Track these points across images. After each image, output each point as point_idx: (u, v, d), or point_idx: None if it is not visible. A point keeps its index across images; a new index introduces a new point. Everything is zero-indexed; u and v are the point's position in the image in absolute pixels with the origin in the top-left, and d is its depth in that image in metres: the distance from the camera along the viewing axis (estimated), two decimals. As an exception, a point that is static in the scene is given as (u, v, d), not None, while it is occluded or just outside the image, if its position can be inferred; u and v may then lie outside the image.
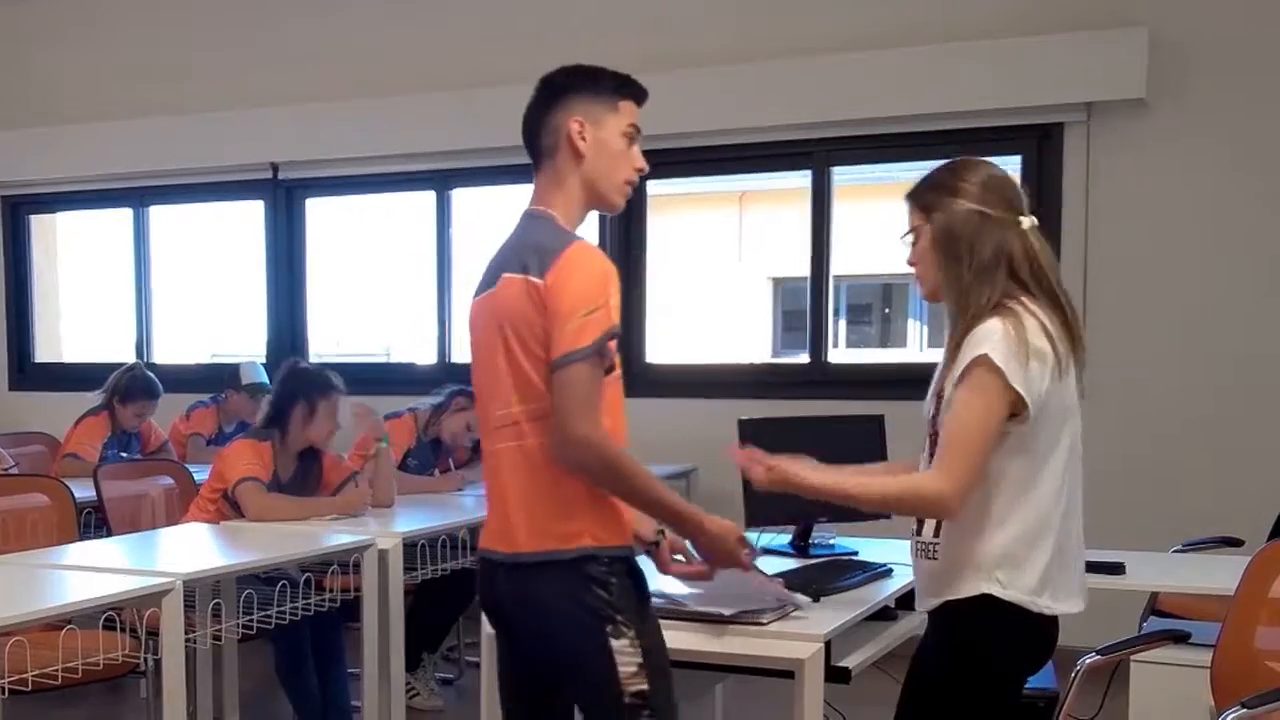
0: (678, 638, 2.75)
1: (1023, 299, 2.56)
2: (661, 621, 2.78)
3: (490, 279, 2.61)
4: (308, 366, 4.84)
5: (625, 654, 2.48)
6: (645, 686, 2.48)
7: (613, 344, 2.47)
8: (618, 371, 2.55)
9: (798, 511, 3.67)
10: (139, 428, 6.22)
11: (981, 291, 2.56)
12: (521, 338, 2.49)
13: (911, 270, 2.74)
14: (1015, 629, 2.59)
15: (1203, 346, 5.65)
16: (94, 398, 6.17)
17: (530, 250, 2.52)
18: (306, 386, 4.61)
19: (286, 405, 4.60)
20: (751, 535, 3.00)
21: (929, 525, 2.67)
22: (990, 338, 2.50)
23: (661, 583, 3.03)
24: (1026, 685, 3.84)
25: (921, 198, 2.68)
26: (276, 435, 4.60)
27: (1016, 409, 2.50)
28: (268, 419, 4.64)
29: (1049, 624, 2.63)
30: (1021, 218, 2.61)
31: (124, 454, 6.06)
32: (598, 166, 2.60)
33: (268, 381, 6.58)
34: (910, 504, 2.64)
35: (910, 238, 2.69)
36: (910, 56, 5.95)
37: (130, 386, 6.13)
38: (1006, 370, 2.47)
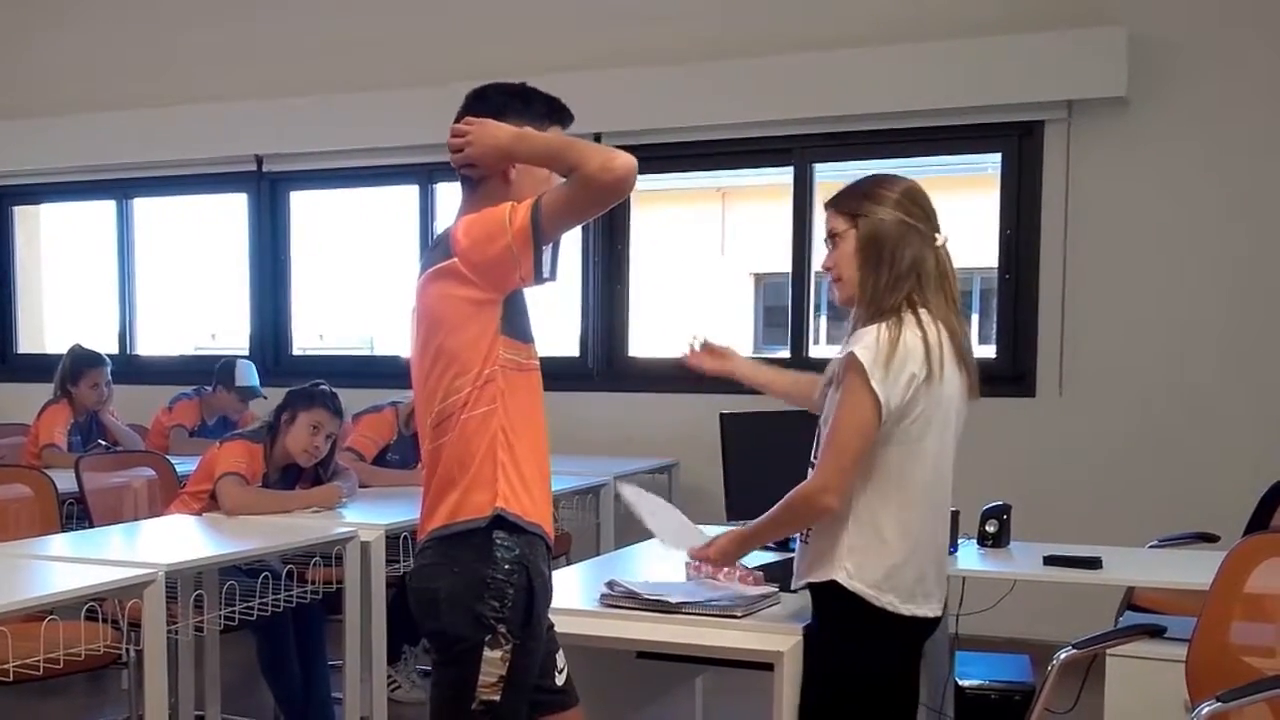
0: (658, 630, 2.77)
1: (919, 310, 2.65)
2: (640, 614, 2.80)
3: None
4: (311, 386, 4.72)
5: (493, 664, 2.43)
6: (496, 699, 2.43)
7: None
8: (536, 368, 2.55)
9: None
10: (99, 405, 6.19)
11: (891, 296, 2.65)
12: None
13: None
14: (858, 619, 2.65)
15: (1180, 344, 5.69)
16: (49, 391, 6.18)
17: None
18: (296, 397, 4.61)
19: (278, 413, 4.62)
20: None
21: None
22: (865, 339, 2.61)
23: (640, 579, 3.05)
24: (1002, 680, 3.90)
25: (846, 204, 2.74)
26: (268, 440, 4.60)
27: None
28: (267, 424, 4.66)
29: (899, 623, 2.67)
30: (937, 233, 2.70)
31: (102, 443, 6.04)
32: (522, 192, 2.47)
33: (258, 385, 6.57)
34: (796, 508, 2.69)
35: (830, 243, 2.76)
36: (892, 54, 5.97)
37: (75, 366, 6.14)
38: (868, 370, 2.57)
